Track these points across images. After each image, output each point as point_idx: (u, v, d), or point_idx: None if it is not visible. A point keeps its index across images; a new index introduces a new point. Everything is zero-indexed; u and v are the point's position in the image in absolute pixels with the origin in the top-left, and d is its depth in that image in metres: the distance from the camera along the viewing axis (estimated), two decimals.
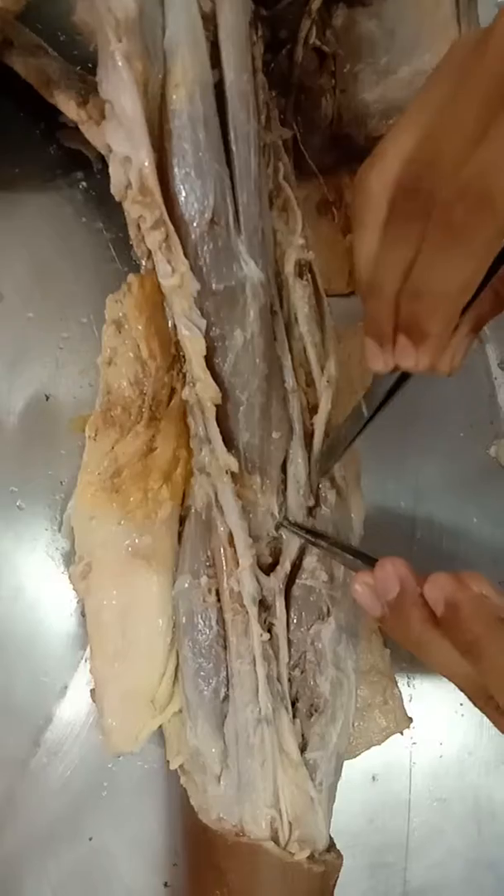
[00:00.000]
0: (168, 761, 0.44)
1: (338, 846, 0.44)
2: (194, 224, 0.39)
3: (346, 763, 0.47)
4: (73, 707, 0.47)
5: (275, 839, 0.38)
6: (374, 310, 0.32)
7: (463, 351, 0.33)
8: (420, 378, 0.34)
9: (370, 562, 0.34)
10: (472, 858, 0.52)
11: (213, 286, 0.39)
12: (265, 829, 0.38)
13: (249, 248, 0.39)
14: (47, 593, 0.47)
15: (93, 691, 0.43)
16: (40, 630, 0.47)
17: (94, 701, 0.43)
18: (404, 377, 0.34)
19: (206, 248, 0.39)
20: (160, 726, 0.43)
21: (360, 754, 0.49)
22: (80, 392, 0.48)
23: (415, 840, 0.50)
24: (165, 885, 0.46)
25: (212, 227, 0.39)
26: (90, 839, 0.46)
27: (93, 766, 0.47)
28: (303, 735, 0.40)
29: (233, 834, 0.38)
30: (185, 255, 0.39)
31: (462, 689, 0.30)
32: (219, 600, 0.41)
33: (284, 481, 0.43)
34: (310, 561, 0.42)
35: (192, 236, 0.39)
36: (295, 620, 0.41)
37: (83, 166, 0.49)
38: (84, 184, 0.50)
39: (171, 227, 0.39)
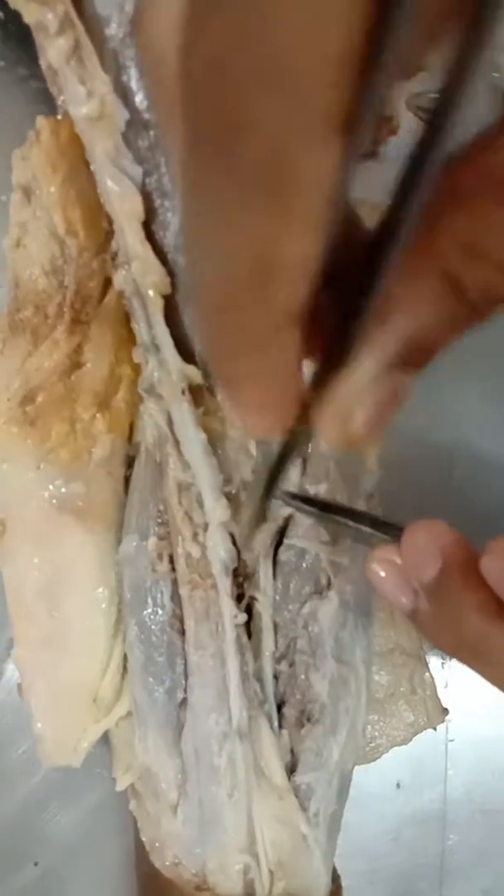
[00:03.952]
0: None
1: (355, 870, 0.34)
2: (112, 24, 0.26)
3: (364, 768, 0.36)
4: (11, 698, 0.37)
5: (250, 894, 0.28)
6: None
7: (373, 413, 0.17)
8: None
9: (398, 534, 0.23)
10: None
11: (146, 114, 0.27)
12: (237, 881, 0.28)
13: None
14: None
15: (20, 686, 0.33)
16: None
17: (22, 698, 0.33)
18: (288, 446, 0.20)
19: (130, 57, 0.26)
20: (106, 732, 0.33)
21: (380, 757, 0.38)
22: None
23: (452, 862, 0.40)
24: None
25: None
26: (35, 864, 0.37)
27: (39, 773, 0.37)
28: (291, 751, 0.29)
29: (192, 886, 0.28)
30: (104, 70, 0.26)
31: None
32: (174, 569, 0.30)
33: None
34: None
35: (110, 43, 0.26)
36: (280, 596, 0.30)
37: None
38: (1, 14, 0.37)
39: (82, 30, 0.26)
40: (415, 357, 0.17)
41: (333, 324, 0.15)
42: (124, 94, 0.27)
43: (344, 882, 0.34)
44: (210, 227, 0.14)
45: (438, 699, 0.40)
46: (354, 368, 0.16)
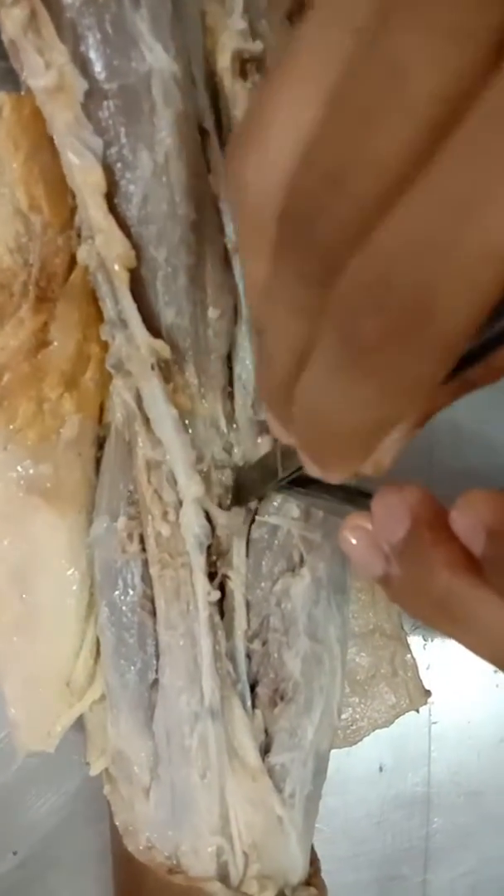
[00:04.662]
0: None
1: (338, 856, 0.33)
2: None
3: (346, 751, 0.36)
4: None
5: (223, 877, 0.28)
6: (260, 377, 0.21)
7: (396, 450, 0.22)
8: None
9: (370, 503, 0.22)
10: None
11: (105, 84, 0.26)
12: (209, 863, 0.28)
13: (154, 26, 0.26)
14: None
15: None
16: None
17: None
18: None
19: (88, 26, 0.26)
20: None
21: (361, 739, 0.38)
22: None
23: (436, 844, 0.40)
24: None
25: None
26: (14, 853, 0.36)
27: (17, 761, 0.37)
28: (266, 731, 0.29)
29: (165, 869, 0.28)
30: (62, 40, 0.26)
31: None
32: (144, 549, 0.29)
33: (231, 380, 0.30)
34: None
35: (68, 13, 0.26)
36: (252, 574, 0.30)
37: None
38: None
39: None
40: (426, 418, 0.22)
41: None
42: (83, 64, 0.26)
43: (327, 866, 0.34)
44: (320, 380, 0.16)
45: (420, 681, 0.39)
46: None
